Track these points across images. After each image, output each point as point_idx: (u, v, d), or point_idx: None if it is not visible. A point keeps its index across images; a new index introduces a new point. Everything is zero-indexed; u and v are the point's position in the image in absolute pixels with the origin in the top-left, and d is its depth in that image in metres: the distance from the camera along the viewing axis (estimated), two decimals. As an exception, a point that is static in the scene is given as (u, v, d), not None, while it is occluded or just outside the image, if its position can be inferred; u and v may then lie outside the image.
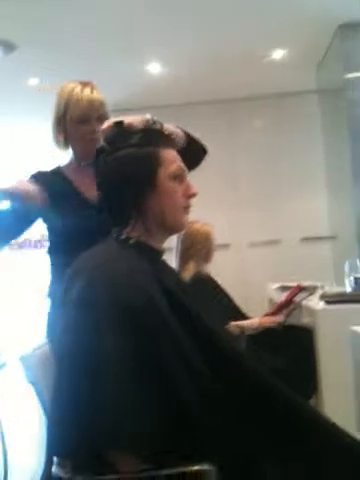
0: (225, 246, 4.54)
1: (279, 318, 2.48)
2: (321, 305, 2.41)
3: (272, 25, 3.74)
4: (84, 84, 1.62)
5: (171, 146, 1.16)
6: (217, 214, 4.46)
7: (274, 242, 4.70)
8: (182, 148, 1.25)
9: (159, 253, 1.17)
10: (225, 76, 4.42)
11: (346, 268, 2.48)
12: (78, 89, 1.60)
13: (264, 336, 2.41)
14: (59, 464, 0.96)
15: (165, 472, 0.88)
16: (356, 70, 3.83)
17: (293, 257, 4.49)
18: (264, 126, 4.90)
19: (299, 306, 2.60)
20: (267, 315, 2.54)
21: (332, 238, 4.54)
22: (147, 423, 0.90)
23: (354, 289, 2.43)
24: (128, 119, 1.19)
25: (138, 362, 0.92)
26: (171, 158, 1.14)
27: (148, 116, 1.21)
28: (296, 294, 2.58)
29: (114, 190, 1.11)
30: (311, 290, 2.62)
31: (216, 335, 1.06)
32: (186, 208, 1.16)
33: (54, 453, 0.97)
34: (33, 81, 4.33)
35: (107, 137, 1.18)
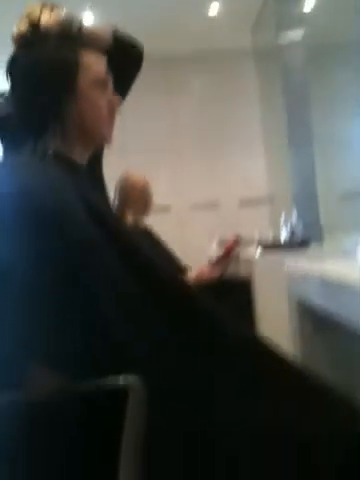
0: (166, 208, 4.47)
1: (215, 273, 2.43)
2: (258, 253, 2.39)
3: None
4: None
5: (94, 48, 1.04)
6: (158, 174, 4.38)
7: (214, 205, 4.69)
8: (112, 51, 1.10)
9: (81, 168, 1.04)
10: (162, 31, 4.23)
11: (282, 218, 2.48)
12: None
13: (202, 291, 2.35)
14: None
15: (81, 388, 0.77)
16: (289, 32, 3.63)
17: (233, 220, 4.47)
18: (202, 86, 4.83)
19: (237, 259, 2.58)
20: (204, 269, 2.48)
21: (270, 200, 4.55)
22: (66, 340, 0.80)
23: (289, 236, 2.43)
24: (42, 19, 1.03)
25: (60, 274, 0.81)
26: (92, 62, 1.02)
27: (64, 14, 1.06)
28: (233, 247, 2.54)
29: (29, 96, 0.99)
30: (247, 241, 2.60)
31: (155, 264, 0.93)
32: (110, 120, 1.05)
33: None
34: None
35: (21, 42, 1.04)
